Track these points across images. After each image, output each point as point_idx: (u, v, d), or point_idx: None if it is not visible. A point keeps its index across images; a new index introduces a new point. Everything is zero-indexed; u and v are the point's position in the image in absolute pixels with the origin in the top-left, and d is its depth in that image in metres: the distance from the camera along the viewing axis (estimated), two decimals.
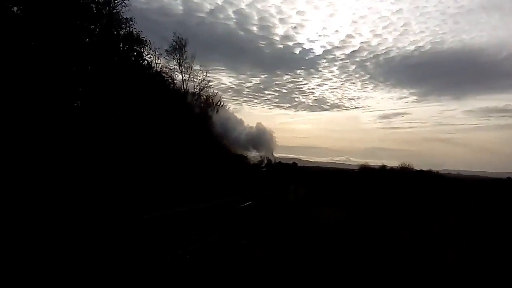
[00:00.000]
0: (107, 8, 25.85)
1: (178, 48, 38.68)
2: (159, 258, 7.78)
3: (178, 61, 39.12)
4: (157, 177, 22.10)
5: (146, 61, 30.86)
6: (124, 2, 26.55)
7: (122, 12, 26.66)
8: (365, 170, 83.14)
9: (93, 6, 24.01)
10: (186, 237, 9.86)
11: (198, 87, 41.22)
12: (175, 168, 26.77)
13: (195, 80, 41.03)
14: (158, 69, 35.44)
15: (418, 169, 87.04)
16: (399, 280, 6.85)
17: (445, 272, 7.29)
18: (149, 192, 17.52)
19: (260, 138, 41.24)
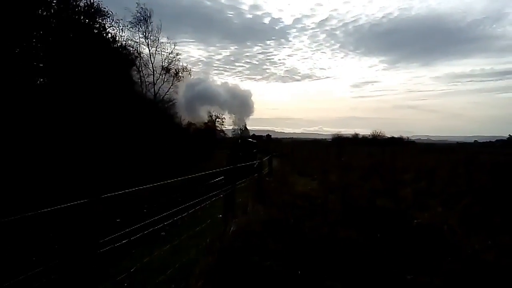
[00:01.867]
0: None
1: (142, 20, 37.06)
2: None
3: (144, 33, 37.58)
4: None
5: (110, 34, 29.54)
6: None
7: None
8: (338, 140, 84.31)
9: None
10: None
11: (166, 61, 39.76)
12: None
13: (163, 53, 39.52)
14: (123, 43, 33.96)
15: (390, 136, 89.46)
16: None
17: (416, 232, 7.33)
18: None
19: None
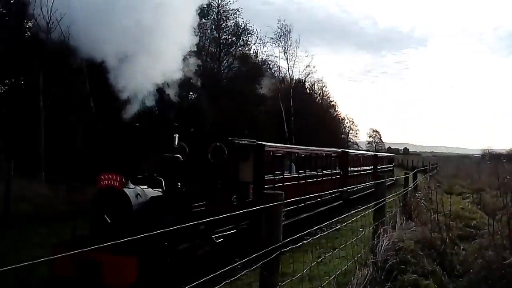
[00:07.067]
0: (217, 0, 27.43)
1: (283, 35, 38.88)
2: None
3: (283, 48, 39.30)
4: None
5: (252, 50, 31.90)
6: None
7: (230, 3, 28.06)
8: (489, 156, 74.34)
9: None
10: None
11: (303, 73, 41.17)
12: None
13: (299, 66, 41.04)
14: (264, 57, 36.21)
15: None
16: None
17: None
18: None
19: None
